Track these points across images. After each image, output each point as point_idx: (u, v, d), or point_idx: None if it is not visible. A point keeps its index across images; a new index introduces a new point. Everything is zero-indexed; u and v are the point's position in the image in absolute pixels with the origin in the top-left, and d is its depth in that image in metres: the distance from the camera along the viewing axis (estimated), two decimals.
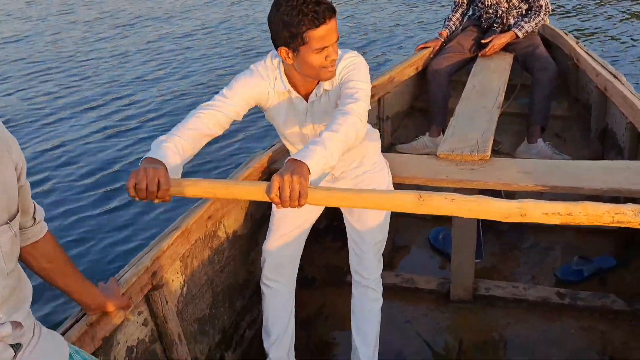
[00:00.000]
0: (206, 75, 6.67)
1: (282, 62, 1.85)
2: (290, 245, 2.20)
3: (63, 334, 1.55)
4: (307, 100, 1.93)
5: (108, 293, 1.69)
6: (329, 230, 3.09)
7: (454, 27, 3.96)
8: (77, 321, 1.61)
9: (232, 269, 2.41)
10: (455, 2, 3.93)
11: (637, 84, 5.28)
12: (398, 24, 8.02)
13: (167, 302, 1.93)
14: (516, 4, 3.68)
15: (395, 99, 3.76)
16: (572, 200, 3.21)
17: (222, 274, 2.34)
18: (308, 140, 1.95)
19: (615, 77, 3.16)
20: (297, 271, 2.26)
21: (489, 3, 3.73)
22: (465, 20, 3.99)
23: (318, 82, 1.88)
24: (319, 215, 2.29)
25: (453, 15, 3.95)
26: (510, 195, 3.23)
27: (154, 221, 3.80)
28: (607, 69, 3.30)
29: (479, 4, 3.81)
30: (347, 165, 2.15)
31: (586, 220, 1.48)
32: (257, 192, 1.47)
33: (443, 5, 8.70)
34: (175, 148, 1.64)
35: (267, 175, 2.57)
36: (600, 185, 2.21)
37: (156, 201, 1.52)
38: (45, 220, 1.45)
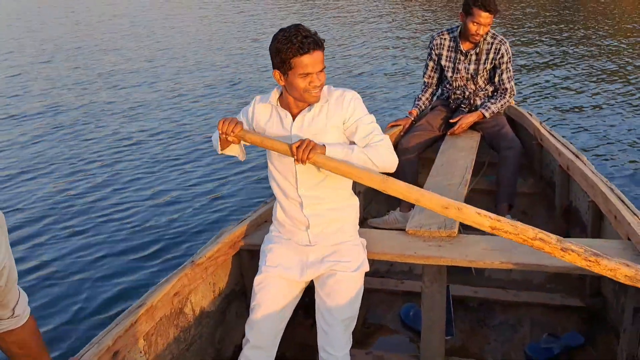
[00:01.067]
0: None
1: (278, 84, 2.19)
2: (274, 325, 2.19)
3: None
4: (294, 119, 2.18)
5: None
6: (300, 307, 3.05)
7: (423, 107, 4.11)
8: None
9: (198, 347, 2.36)
10: (424, 82, 4.10)
11: (600, 163, 5.48)
12: (371, 99, 8.28)
13: None
14: (483, 86, 3.86)
15: None
16: (540, 276, 3.27)
17: (187, 352, 2.28)
18: (294, 161, 2.12)
19: (577, 156, 3.28)
20: (275, 352, 2.22)
21: (457, 85, 3.90)
22: (434, 100, 4.15)
23: (309, 105, 2.14)
24: (298, 300, 2.28)
25: (423, 95, 4.10)
26: (480, 271, 3.28)
27: (120, 295, 3.72)
28: (569, 149, 3.43)
29: (447, 85, 3.98)
30: (328, 225, 2.21)
31: (512, 229, 1.84)
32: (284, 147, 2.04)
33: (412, 83, 9.05)
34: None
35: (237, 249, 2.57)
36: (565, 264, 2.25)
37: (229, 138, 2.11)
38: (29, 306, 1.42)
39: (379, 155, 2.10)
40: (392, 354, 2.70)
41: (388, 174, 2.11)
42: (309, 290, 2.31)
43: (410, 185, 1.98)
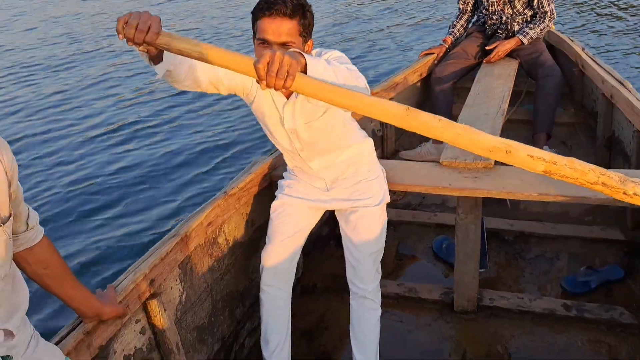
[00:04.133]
0: None
1: None
2: (288, 252, 2.18)
3: (58, 343, 1.52)
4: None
5: (105, 301, 1.66)
6: (331, 237, 3.05)
7: (458, 34, 3.94)
8: (73, 329, 1.58)
9: (232, 276, 2.37)
10: (459, 8, 3.90)
11: None
12: (400, 29, 7.99)
13: (165, 310, 1.89)
14: (521, 10, 3.65)
15: None
16: (578, 210, 3.18)
17: (221, 281, 2.30)
18: (290, 140, 1.97)
19: (621, 84, 3.12)
20: (293, 278, 2.23)
21: (494, 9, 3.70)
22: (469, 26, 3.96)
23: None
24: (315, 223, 2.26)
25: (457, 22, 3.92)
26: (515, 204, 3.20)
27: (153, 226, 3.77)
28: (613, 76, 3.26)
29: (484, 11, 3.78)
30: (342, 172, 2.13)
31: (570, 173, 1.43)
32: (246, 63, 1.33)
33: (447, 11, 8.68)
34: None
35: (267, 181, 2.54)
36: (606, 195, 2.16)
37: (140, 48, 1.40)
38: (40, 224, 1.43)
39: (353, 74, 1.59)
40: (424, 285, 2.68)
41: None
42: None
43: (443, 118, 1.45)
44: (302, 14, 1.72)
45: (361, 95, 1.36)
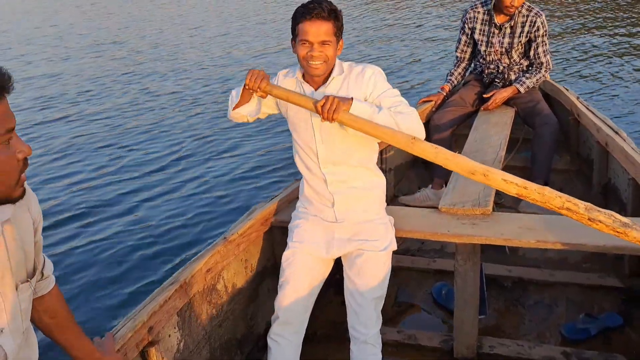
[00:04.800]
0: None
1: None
2: (303, 301, 2.19)
3: None
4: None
5: (103, 349, 1.66)
6: (331, 284, 3.05)
7: (455, 82, 4.02)
8: None
9: (231, 323, 2.37)
10: (457, 56, 4.00)
11: (639, 139, 5.31)
12: (400, 74, 8.16)
13: (163, 358, 1.89)
14: (517, 60, 3.74)
15: (398, 151, 3.79)
16: (577, 255, 3.20)
17: (220, 328, 2.30)
18: (315, 134, 2.12)
19: (616, 132, 3.18)
20: (304, 329, 2.23)
21: (491, 59, 3.80)
22: (467, 75, 4.05)
23: (326, 79, 2.10)
24: (327, 274, 2.27)
25: (455, 70, 4.01)
26: (514, 250, 3.22)
27: (152, 274, 3.77)
28: (607, 125, 3.32)
29: (481, 60, 3.88)
30: (353, 203, 2.18)
31: (539, 197, 1.75)
32: (310, 102, 1.97)
33: (443, 58, 8.87)
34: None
35: (268, 227, 2.56)
36: (604, 242, 2.19)
37: (257, 93, 2.05)
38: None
39: (406, 121, 2.00)
40: (424, 332, 2.67)
41: None
42: (340, 268, 2.29)
43: (438, 146, 1.91)
44: (336, 17, 2.03)
45: (381, 127, 1.93)
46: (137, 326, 1.80)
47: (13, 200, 1.15)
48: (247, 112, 2.21)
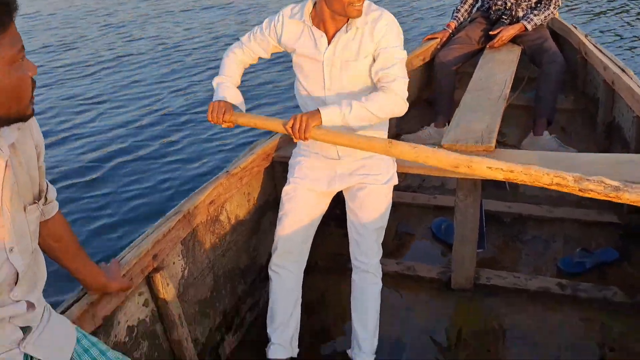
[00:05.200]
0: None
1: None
2: (302, 232, 2.22)
3: (64, 312, 1.57)
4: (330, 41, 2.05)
5: (109, 274, 1.71)
6: (332, 218, 3.10)
7: (462, 19, 3.95)
8: (78, 300, 1.63)
9: (234, 253, 2.43)
10: None
11: None
12: (406, 14, 7.98)
13: (168, 284, 1.95)
14: None
15: None
16: (575, 194, 3.21)
17: (223, 258, 2.36)
18: (325, 81, 2.06)
19: (623, 71, 3.14)
20: (306, 259, 2.28)
21: None
22: (473, 12, 3.97)
23: (348, 22, 2.01)
24: (326, 208, 2.30)
25: (461, 7, 3.93)
26: (514, 187, 3.24)
27: (156, 205, 3.83)
28: (615, 63, 3.28)
29: None
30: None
31: (526, 178, 1.67)
32: (279, 125, 1.97)
33: None
34: (232, 87, 2.16)
35: (269, 162, 2.59)
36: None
37: (224, 125, 2.07)
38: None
39: (381, 106, 1.94)
40: (423, 264, 2.74)
41: (395, 137, 1.99)
42: (340, 202, 2.33)
43: (417, 145, 1.82)
44: None
45: (356, 136, 1.91)
46: (142, 253, 1.85)
47: (25, 118, 1.18)
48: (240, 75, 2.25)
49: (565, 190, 1.70)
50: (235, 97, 2.13)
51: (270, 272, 2.24)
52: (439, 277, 2.65)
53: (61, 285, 2.09)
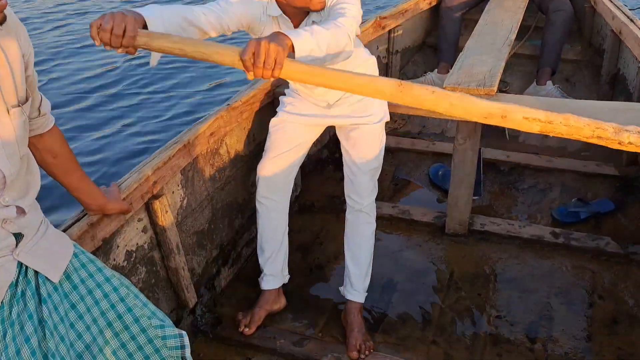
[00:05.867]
0: None
1: None
2: (284, 166, 2.21)
3: (64, 231, 1.57)
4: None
5: (109, 196, 1.71)
6: (330, 161, 3.11)
7: None
8: (78, 220, 1.64)
9: (232, 187, 2.43)
10: None
11: None
12: None
13: (166, 211, 1.96)
14: None
15: (406, 34, 3.69)
16: (576, 143, 3.22)
17: (222, 191, 2.36)
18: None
19: (631, 20, 3.09)
20: (290, 192, 2.28)
21: None
22: None
23: (307, 14, 1.87)
24: (314, 139, 2.29)
25: None
26: (514, 136, 3.24)
27: (158, 132, 3.81)
28: (623, 12, 3.22)
29: None
30: (344, 93, 2.13)
31: (566, 131, 1.47)
32: (230, 55, 1.35)
33: None
34: (161, 13, 1.53)
35: (270, 98, 2.56)
36: None
37: (119, 51, 1.39)
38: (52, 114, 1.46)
39: (334, 33, 1.58)
40: (418, 208, 2.76)
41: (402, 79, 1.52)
42: (339, 145, 2.31)
43: (436, 89, 1.43)
44: None
45: (351, 75, 1.37)
46: (142, 179, 1.85)
47: None
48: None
49: (603, 143, 1.55)
50: (156, 19, 1.50)
51: (257, 204, 2.25)
52: (434, 222, 2.67)
53: (63, 206, 2.09)
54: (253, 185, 2.56)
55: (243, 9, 1.84)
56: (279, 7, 1.86)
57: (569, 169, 2.98)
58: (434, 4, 3.78)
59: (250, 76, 1.35)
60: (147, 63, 4.72)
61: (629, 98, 3.09)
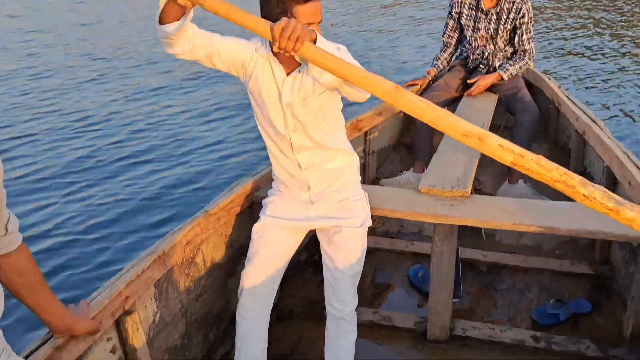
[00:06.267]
0: None
1: None
2: (268, 275, 2.17)
3: (27, 357, 1.50)
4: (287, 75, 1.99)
5: (77, 316, 1.65)
6: (310, 263, 3.08)
7: (441, 67, 4.04)
8: (43, 344, 1.57)
9: (208, 298, 2.38)
10: (444, 41, 4.01)
11: (617, 130, 5.40)
12: (388, 61, 8.14)
13: (138, 329, 1.89)
14: (502, 47, 3.76)
15: (381, 134, 3.80)
16: (550, 241, 3.26)
17: (197, 302, 2.30)
18: (284, 117, 2.00)
19: (594, 122, 3.24)
20: (272, 302, 2.23)
21: (476, 45, 3.81)
22: (452, 60, 4.06)
23: (300, 63, 1.96)
24: (298, 246, 2.28)
25: (441, 55, 4.02)
26: (490, 235, 3.27)
27: (131, 246, 3.75)
28: (586, 114, 3.38)
29: (467, 45, 3.89)
30: (329, 184, 2.17)
31: (535, 168, 1.53)
32: (263, 25, 1.51)
33: (433, 40, 8.87)
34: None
35: (249, 202, 2.56)
36: (576, 227, 2.24)
37: (180, 0, 1.55)
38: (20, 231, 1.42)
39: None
40: (399, 313, 2.71)
41: None
42: (318, 247, 2.31)
43: (428, 101, 1.58)
44: None
45: (357, 68, 1.51)
46: (113, 295, 1.80)
47: None
48: (175, 33, 1.73)
49: (568, 192, 1.59)
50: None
51: (237, 316, 2.17)
52: (415, 328, 2.62)
53: (26, 329, 2.01)
54: (230, 294, 2.51)
55: (236, 46, 1.96)
56: (272, 51, 1.96)
57: (545, 267, 3.00)
58: None
59: (275, 47, 1.49)
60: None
61: None
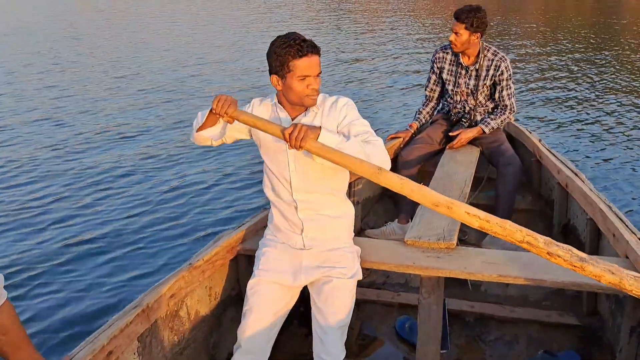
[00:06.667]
0: None
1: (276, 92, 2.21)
2: (266, 330, 2.17)
3: None
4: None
5: None
6: (295, 316, 3.04)
7: (423, 120, 4.13)
8: None
9: (193, 351, 2.33)
10: (426, 95, 4.11)
11: (599, 182, 5.50)
12: (371, 114, 8.30)
13: None
14: (483, 102, 3.87)
15: (366, 185, 3.84)
16: (537, 292, 3.26)
17: (181, 356, 2.26)
18: (289, 163, 2.15)
19: (575, 174, 3.30)
20: (267, 358, 2.20)
21: (458, 99, 3.92)
22: (435, 114, 4.16)
23: (306, 109, 2.17)
24: (294, 302, 2.27)
25: (424, 109, 4.12)
26: (477, 286, 3.27)
27: (116, 297, 3.69)
28: (568, 167, 3.45)
29: (449, 99, 4.00)
30: (323, 231, 2.21)
31: (500, 231, 1.77)
32: (277, 129, 1.98)
33: (414, 97, 9.08)
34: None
35: (234, 255, 2.55)
36: (562, 279, 2.26)
37: (224, 118, 2.07)
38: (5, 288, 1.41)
39: (374, 150, 2.04)
40: None
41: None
42: (305, 299, 2.30)
43: (404, 178, 1.95)
44: (319, 51, 2.13)
45: (348, 156, 1.93)
46: (96, 350, 1.76)
47: None
48: (210, 135, 2.24)
49: (534, 251, 1.79)
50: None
51: None
52: None
53: None
54: (214, 348, 2.47)
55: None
56: (278, 100, 2.20)
57: (532, 319, 2.99)
58: (391, 157, 3.98)
59: (289, 146, 1.94)
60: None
61: (581, 248, 3.18)
